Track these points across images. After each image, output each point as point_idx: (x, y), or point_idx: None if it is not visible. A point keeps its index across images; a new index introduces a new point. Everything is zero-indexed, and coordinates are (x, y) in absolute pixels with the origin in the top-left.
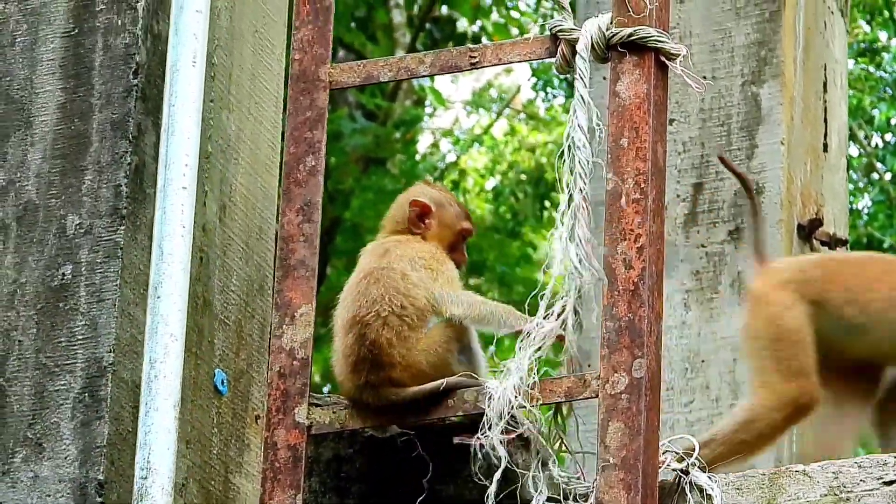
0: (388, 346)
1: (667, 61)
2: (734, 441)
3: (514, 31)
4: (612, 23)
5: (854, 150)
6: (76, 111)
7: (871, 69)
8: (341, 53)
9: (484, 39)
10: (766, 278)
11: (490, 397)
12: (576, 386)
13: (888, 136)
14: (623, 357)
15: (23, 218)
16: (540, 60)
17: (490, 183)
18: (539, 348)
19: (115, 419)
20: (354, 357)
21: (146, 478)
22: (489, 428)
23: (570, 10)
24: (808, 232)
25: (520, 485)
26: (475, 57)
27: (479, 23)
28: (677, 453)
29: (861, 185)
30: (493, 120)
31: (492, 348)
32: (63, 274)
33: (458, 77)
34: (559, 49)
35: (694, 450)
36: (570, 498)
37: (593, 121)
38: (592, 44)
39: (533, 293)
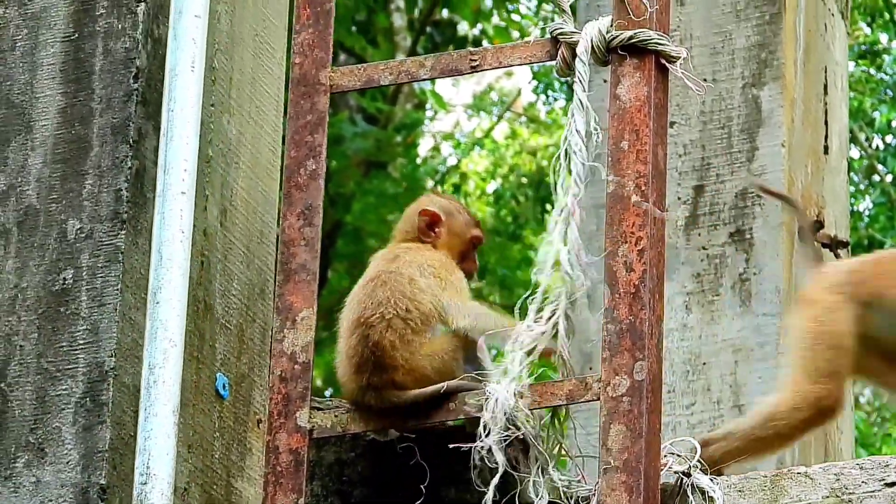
0: (391, 349)
1: (667, 64)
2: (750, 437)
3: (515, 34)
4: (612, 26)
5: (855, 153)
6: (77, 115)
7: (872, 71)
8: (342, 57)
9: (485, 43)
10: (815, 281)
11: (487, 401)
12: (577, 389)
13: (889, 138)
14: (624, 360)
15: (24, 222)
16: (540, 63)
17: (491, 186)
18: (530, 352)
19: (116, 423)
20: (358, 358)
21: (146, 483)
22: (486, 433)
23: (570, 13)
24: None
25: (519, 490)
26: (475, 60)
27: (479, 26)
28: (679, 455)
29: (862, 187)
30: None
31: (490, 356)
32: (64, 278)
33: (458, 80)
34: (559, 52)
35: (696, 452)
36: (572, 501)
37: (591, 125)
38: (593, 47)
39: (524, 297)
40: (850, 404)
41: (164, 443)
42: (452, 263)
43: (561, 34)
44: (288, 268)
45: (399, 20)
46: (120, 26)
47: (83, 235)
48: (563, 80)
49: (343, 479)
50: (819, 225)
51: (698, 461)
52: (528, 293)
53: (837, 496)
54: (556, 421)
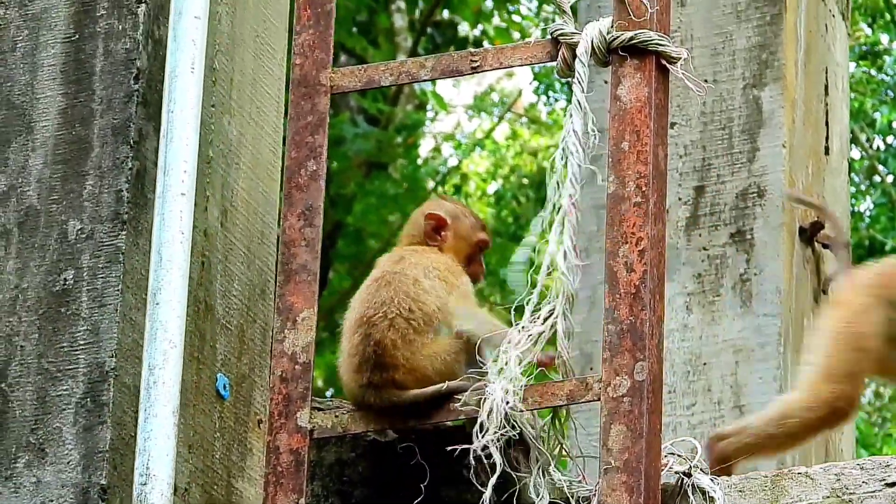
0: (392, 348)
1: (668, 65)
2: (763, 434)
3: (516, 35)
4: (612, 26)
5: (856, 153)
6: (77, 116)
7: (873, 72)
8: (343, 58)
9: (485, 43)
10: (848, 283)
11: (484, 401)
12: (578, 389)
13: (890, 139)
14: (625, 360)
15: (24, 223)
16: (541, 64)
17: (492, 187)
18: (527, 352)
19: (117, 424)
20: (359, 357)
21: (146, 484)
22: (483, 433)
23: (571, 14)
24: (810, 235)
25: (517, 489)
26: (476, 61)
27: (480, 27)
28: (680, 456)
29: (863, 187)
30: (495, 124)
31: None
32: (65, 279)
33: (459, 81)
34: (560, 53)
35: (696, 452)
36: (573, 501)
37: (589, 126)
38: (593, 47)
39: (520, 298)
40: None
41: (164, 444)
42: (458, 267)
43: (561, 35)
44: (288, 268)
45: (400, 21)
46: (120, 27)
47: (84, 236)
48: (563, 80)
49: (343, 479)
50: (819, 226)
51: (699, 461)
52: (524, 294)
53: (838, 496)
54: (556, 421)
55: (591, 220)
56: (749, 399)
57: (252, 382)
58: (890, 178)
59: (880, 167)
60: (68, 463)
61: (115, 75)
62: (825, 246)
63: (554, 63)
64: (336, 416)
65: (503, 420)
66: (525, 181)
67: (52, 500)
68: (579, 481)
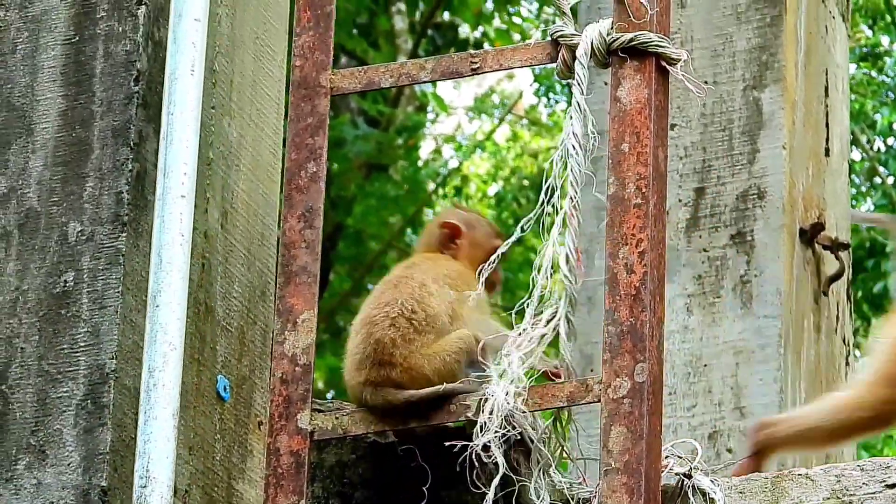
0: (390, 346)
1: (668, 66)
2: (810, 427)
3: (517, 36)
4: (612, 28)
5: (856, 155)
6: (77, 118)
7: (873, 73)
8: (343, 60)
9: (486, 45)
10: None
11: (484, 403)
12: (578, 391)
13: (890, 141)
14: (625, 361)
15: (24, 225)
16: (541, 66)
17: (492, 189)
18: (529, 354)
19: (117, 426)
20: (360, 355)
21: (145, 486)
22: (484, 433)
23: (571, 15)
24: (810, 236)
25: (516, 490)
26: (476, 62)
27: (481, 29)
28: (680, 457)
29: (863, 189)
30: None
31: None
32: (65, 281)
33: (460, 83)
34: (560, 54)
35: (697, 453)
36: (573, 503)
37: (589, 127)
38: (593, 49)
39: (521, 301)
40: None
41: (164, 446)
42: (472, 275)
43: (561, 36)
44: (289, 270)
45: (400, 23)
46: (120, 29)
47: (84, 238)
48: (564, 82)
49: (344, 480)
50: (820, 227)
51: (699, 463)
52: (526, 297)
53: (838, 498)
54: (557, 423)
55: (592, 222)
56: (749, 400)
57: (252, 384)
58: (890, 180)
59: (881, 169)
60: (69, 465)
61: (116, 77)
62: (825, 247)
63: (554, 65)
64: (336, 418)
65: (504, 421)
66: (526, 183)
67: (52, 502)
68: (580, 483)
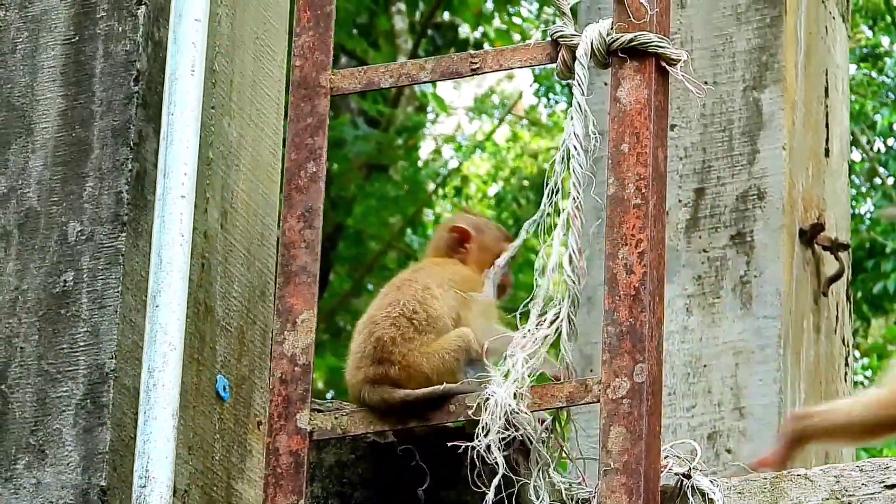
0: (390, 344)
1: (667, 67)
2: (841, 419)
3: (517, 37)
4: (612, 28)
5: (856, 155)
6: (77, 118)
7: (874, 74)
8: (343, 60)
9: (486, 46)
10: None
11: (486, 403)
12: (577, 391)
13: (890, 141)
14: (624, 362)
15: (24, 225)
16: (541, 66)
17: (492, 189)
18: (532, 355)
19: (117, 425)
20: (360, 353)
21: (145, 486)
22: (485, 434)
23: (571, 15)
24: (810, 237)
25: (516, 490)
26: (476, 63)
27: (481, 29)
28: (679, 457)
29: (863, 189)
30: (496, 126)
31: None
32: (65, 281)
33: (460, 83)
34: (560, 55)
35: (696, 453)
36: (572, 503)
37: (590, 127)
38: (593, 49)
39: (525, 302)
40: None
41: (164, 446)
42: (479, 279)
43: (561, 37)
44: (288, 270)
45: (400, 23)
46: (120, 29)
47: (84, 238)
48: (564, 82)
49: (343, 480)
50: (819, 228)
51: (698, 463)
52: (528, 298)
53: (837, 498)
54: (557, 423)
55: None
56: (749, 401)
57: (252, 384)
58: (890, 181)
59: (881, 169)
60: (68, 464)
61: (115, 77)
62: (825, 248)
63: (554, 65)
64: (336, 418)
65: (506, 422)
66: (525, 183)
67: (51, 502)
68: (579, 483)
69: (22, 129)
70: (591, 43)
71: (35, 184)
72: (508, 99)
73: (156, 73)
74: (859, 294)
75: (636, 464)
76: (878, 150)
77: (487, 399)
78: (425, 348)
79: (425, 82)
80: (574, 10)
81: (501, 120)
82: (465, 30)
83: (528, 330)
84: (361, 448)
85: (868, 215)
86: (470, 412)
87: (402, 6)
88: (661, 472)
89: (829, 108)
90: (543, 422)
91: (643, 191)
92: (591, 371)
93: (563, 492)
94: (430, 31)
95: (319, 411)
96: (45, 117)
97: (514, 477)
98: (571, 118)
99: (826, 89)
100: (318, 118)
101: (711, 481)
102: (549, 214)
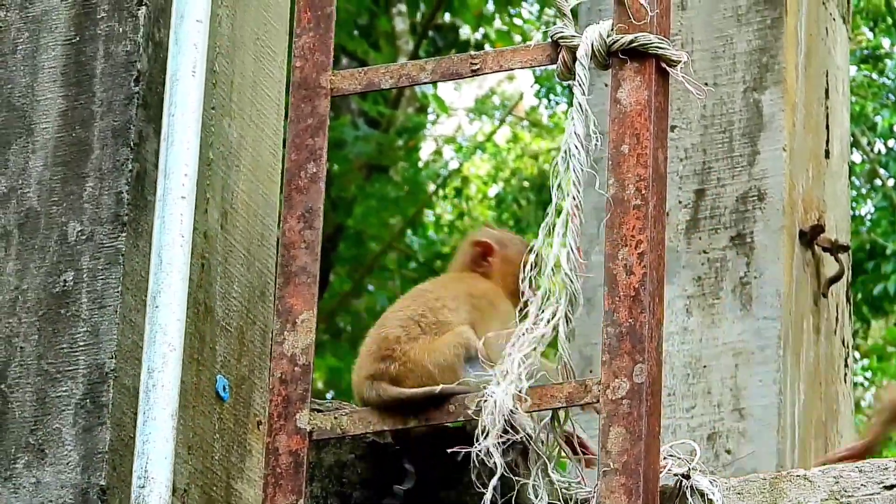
0: (393, 341)
1: (668, 68)
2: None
3: (517, 38)
4: (612, 29)
5: (857, 157)
6: (77, 118)
7: (874, 76)
8: (344, 61)
9: (487, 47)
10: None
11: (485, 403)
12: (577, 391)
13: (891, 143)
14: (624, 362)
15: (24, 225)
16: (541, 67)
17: (493, 190)
18: (529, 353)
19: (116, 425)
20: (366, 351)
21: (144, 486)
22: (485, 435)
23: (571, 17)
24: (810, 238)
25: (516, 491)
26: (476, 64)
27: (481, 30)
28: (678, 458)
29: (864, 191)
30: (496, 127)
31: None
32: (64, 280)
33: (460, 84)
34: (560, 56)
35: (695, 454)
36: (572, 503)
37: (590, 128)
38: (593, 50)
39: (523, 301)
40: (851, 408)
41: (163, 447)
42: (500, 294)
43: (562, 38)
44: (288, 270)
45: (401, 24)
46: (121, 30)
47: (84, 238)
48: (564, 83)
49: (343, 480)
50: (820, 229)
51: (698, 463)
52: (526, 297)
53: (836, 499)
54: (555, 423)
55: (592, 223)
56: (749, 402)
57: (252, 384)
58: (891, 182)
59: (881, 171)
60: (67, 464)
61: (116, 78)
62: (825, 249)
63: (554, 66)
64: (335, 418)
65: (505, 423)
66: (526, 184)
67: (51, 501)
68: (578, 483)
69: (22, 129)
70: (592, 44)
71: (35, 184)
72: (509, 100)
73: (156, 74)
74: (859, 295)
75: (635, 464)
76: (879, 151)
77: (486, 400)
78: (428, 345)
79: (426, 83)
80: (574, 12)
81: (502, 121)
82: (465, 31)
83: (526, 329)
84: (361, 448)
85: (869, 217)
86: (469, 412)
87: (403, 7)
88: (661, 472)
89: (829, 109)
90: (543, 422)
91: (643, 192)
92: (591, 372)
93: (563, 492)
94: (430, 33)
95: (319, 411)
96: (45, 117)
97: (513, 477)
98: (572, 118)
99: (826, 91)
100: (318, 119)
101: (711, 482)
102: (547, 213)
